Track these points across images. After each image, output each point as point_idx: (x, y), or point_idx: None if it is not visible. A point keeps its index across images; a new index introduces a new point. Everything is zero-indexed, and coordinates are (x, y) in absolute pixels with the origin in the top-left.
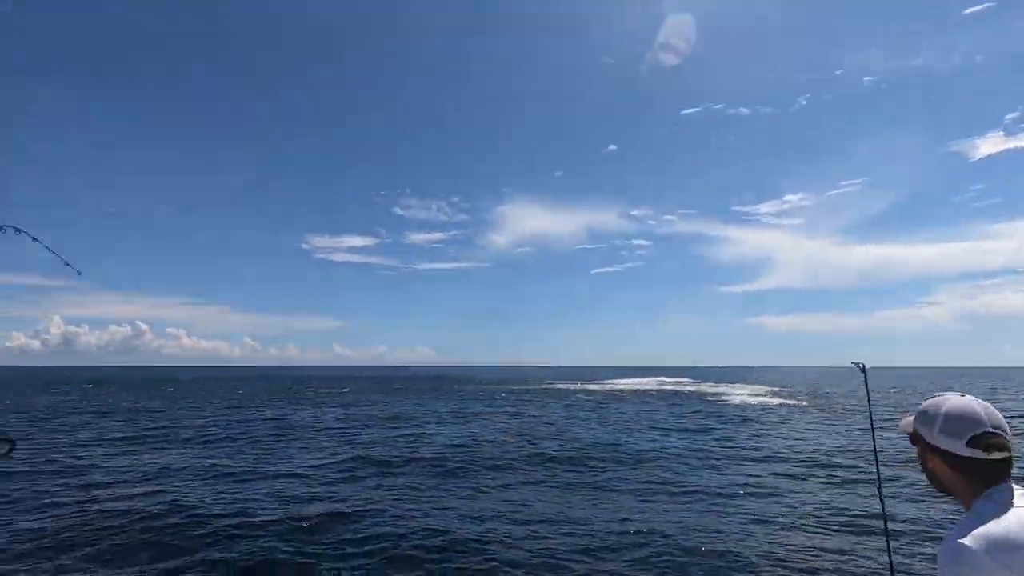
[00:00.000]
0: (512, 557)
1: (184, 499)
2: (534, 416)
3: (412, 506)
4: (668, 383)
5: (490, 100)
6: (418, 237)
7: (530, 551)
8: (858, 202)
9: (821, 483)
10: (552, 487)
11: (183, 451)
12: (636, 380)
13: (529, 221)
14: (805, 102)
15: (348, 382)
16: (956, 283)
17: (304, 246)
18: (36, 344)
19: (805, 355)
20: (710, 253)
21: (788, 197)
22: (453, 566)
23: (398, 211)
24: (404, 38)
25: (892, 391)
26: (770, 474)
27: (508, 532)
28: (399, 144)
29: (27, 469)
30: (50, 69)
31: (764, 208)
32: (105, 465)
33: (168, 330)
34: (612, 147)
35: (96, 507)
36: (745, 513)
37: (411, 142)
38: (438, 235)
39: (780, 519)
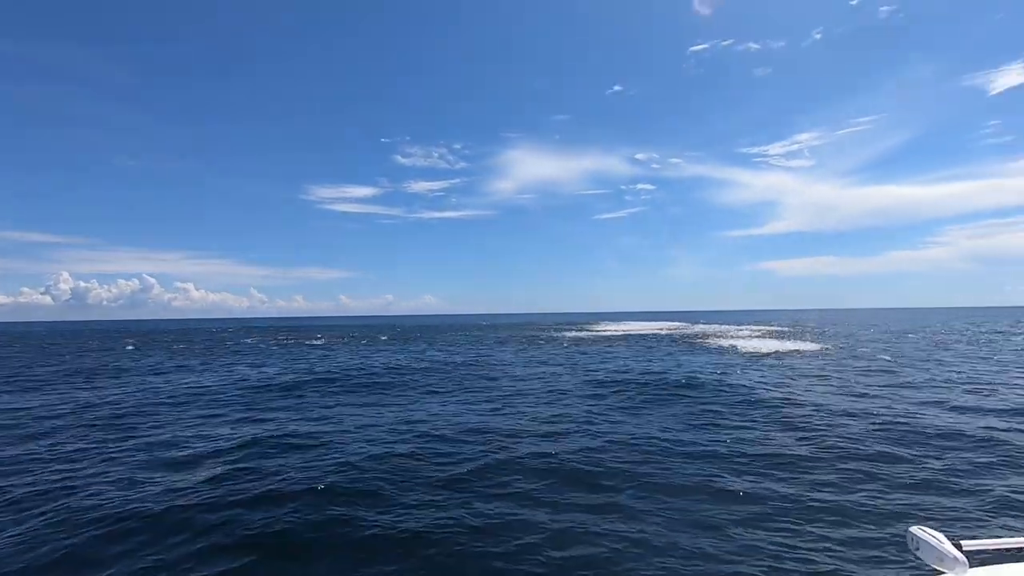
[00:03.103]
0: None
1: None
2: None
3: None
4: (663, 328)
5: (489, 42)
6: (420, 186)
7: None
8: (870, 141)
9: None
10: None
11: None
12: (632, 325)
13: (532, 167)
14: (819, 36)
15: (337, 330)
16: (966, 223)
17: (305, 197)
18: (47, 299)
19: (814, 299)
20: (716, 197)
21: (799, 136)
22: None
23: (399, 159)
24: None
25: (901, 333)
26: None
27: None
28: (398, 91)
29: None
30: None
31: (774, 149)
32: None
33: (177, 284)
34: (617, 88)
35: None
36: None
37: (410, 88)
38: (440, 183)
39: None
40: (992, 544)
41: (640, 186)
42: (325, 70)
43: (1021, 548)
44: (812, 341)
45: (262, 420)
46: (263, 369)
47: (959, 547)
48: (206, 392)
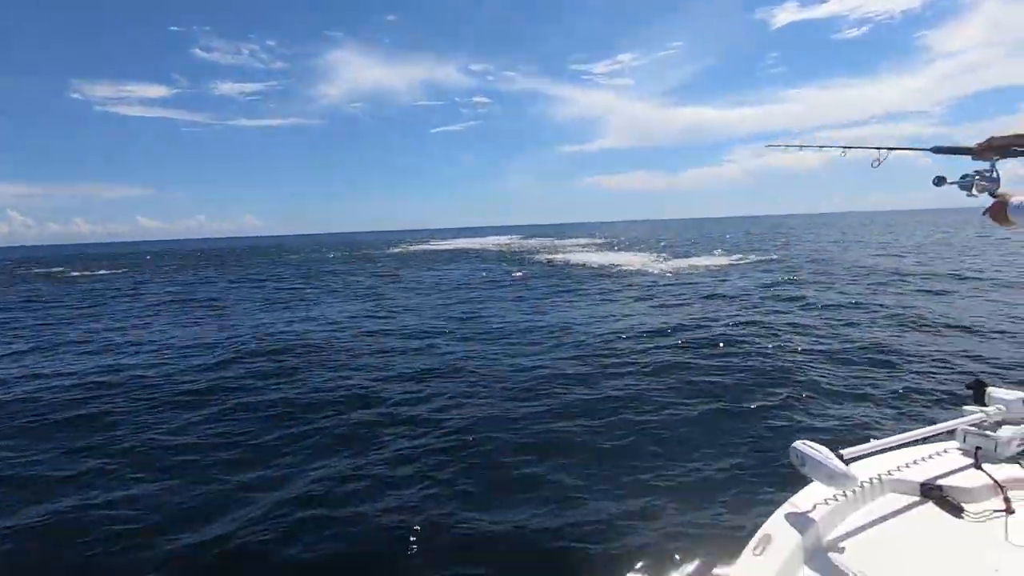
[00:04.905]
0: None
1: None
2: None
3: None
4: (495, 243)
5: None
6: (229, 87)
7: None
8: (680, 64)
9: None
10: None
11: None
12: (464, 241)
13: (362, 72)
14: None
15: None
16: (748, 144)
17: (74, 95)
18: None
19: (634, 211)
20: (549, 112)
21: (621, 56)
22: None
23: (199, 54)
24: None
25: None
26: None
27: None
28: None
29: None
30: None
31: (599, 68)
32: None
33: None
34: None
35: None
36: None
37: None
38: (254, 85)
39: None
40: (869, 448)
41: (476, 99)
42: None
43: (893, 447)
44: (631, 251)
45: None
46: None
47: (841, 458)
48: None
